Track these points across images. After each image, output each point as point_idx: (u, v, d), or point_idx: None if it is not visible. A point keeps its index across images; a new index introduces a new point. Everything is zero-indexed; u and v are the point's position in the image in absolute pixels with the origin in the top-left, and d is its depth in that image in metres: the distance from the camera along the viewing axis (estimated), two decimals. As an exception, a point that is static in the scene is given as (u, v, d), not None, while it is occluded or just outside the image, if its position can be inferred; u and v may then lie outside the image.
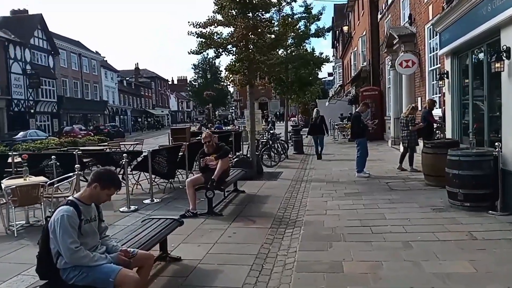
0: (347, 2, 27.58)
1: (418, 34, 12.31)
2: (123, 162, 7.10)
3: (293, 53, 18.87)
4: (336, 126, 20.83)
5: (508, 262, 3.91)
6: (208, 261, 4.43)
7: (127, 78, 59.85)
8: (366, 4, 20.60)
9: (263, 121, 28.64)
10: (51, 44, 34.34)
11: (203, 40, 9.46)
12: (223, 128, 25.21)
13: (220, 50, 9.69)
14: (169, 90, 79.24)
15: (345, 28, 28.93)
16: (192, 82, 55.32)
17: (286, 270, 4.15)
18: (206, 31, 9.23)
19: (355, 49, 25.65)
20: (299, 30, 19.25)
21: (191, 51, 9.75)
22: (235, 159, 10.10)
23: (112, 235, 5.59)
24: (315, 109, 15.39)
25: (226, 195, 7.61)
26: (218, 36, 9.27)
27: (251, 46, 9.43)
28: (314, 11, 19.11)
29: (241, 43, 9.37)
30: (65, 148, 12.18)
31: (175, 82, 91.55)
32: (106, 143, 13.39)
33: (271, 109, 75.69)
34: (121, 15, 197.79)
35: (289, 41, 19.21)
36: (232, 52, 9.71)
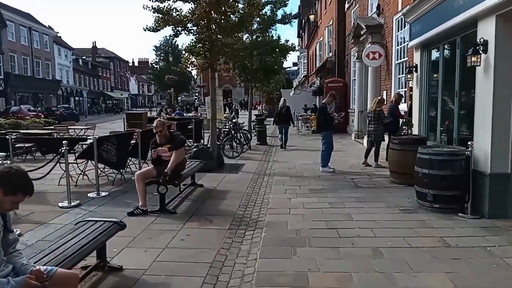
0: (314, -9, 27.18)
1: (386, 25, 12.08)
2: (63, 150, 6.23)
3: (259, 39, 18.24)
4: (300, 117, 20.54)
5: (486, 274, 3.59)
6: (155, 271, 3.81)
7: (83, 57, 56.71)
8: (334, -7, 20.26)
9: (227, 109, 27.91)
10: (-2, 15, 31.51)
11: (160, 16, 8.63)
12: (184, 115, 24.27)
13: (180, 28, 8.91)
14: (129, 72, 76.16)
15: (312, 17, 28.58)
16: (153, 64, 53.10)
17: (244, 283, 3.62)
18: (164, 6, 8.40)
19: (321, 39, 25.39)
20: (265, 16, 18.68)
21: (147, 28, 8.89)
22: (193, 149, 9.42)
23: (42, 237, 4.89)
24: (282, 99, 14.96)
25: (182, 189, 6.97)
26: (177, 12, 8.47)
27: (214, 26, 8.71)
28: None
29: (203, 22, 8.64)
30: (4, 131, 10.92)
31: (136, 64, 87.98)
32: (52, 127, 12.17)
33: (235, 97, 74.77)
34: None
35: (255, 26, 18.63)
36: (192, 31, 8.96)
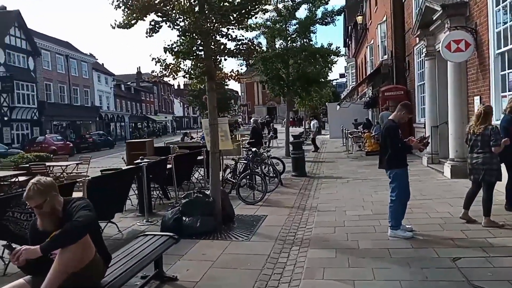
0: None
1: (474, 1, 8.21)
2: None
3: (294, 44, 14.93)
4: (349, 135, 16.71)
5: None
6: None
7: (127, 83, 56.70)
8: (386, -18, 16.52)
9: (265, 128, 24.64)
10: (31, 44, 31.01)
11: (130, 3, 5.55)
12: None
13: (159, 19, 5.77)
14: (173, 95, 75.98)
15: (359, 18, 24.80)
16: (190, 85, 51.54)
17: None
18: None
19: (371, 42, 21.53)
20: (305, 16, 15.38)
21: (115, 25, 5.81)
22: (182, 200, 6.12)
23: None
24: (252, 119, 12.24)
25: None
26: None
27: (206, 7, 5.48)
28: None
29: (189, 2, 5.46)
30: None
31: (181, 86, 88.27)
32: (28, 164, 9.52)
33: (279, 114, 71.54)
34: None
35: (290, 29, 15.41)
36: (177, 23, 5.78)
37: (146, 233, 4.24)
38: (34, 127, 30.90)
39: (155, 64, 5.51)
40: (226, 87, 62.13)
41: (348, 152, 15.99)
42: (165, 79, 5.74)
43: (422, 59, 12.57)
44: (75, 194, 5.15)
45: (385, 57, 16.75)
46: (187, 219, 5.88)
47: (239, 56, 5.87)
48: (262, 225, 6.23)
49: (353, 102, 24.09)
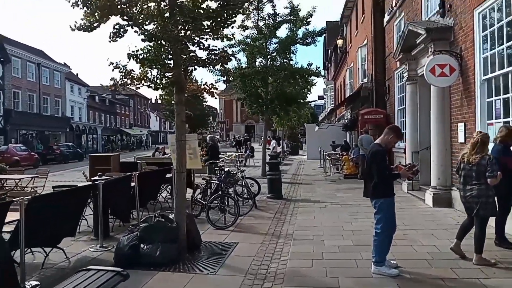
0: (342, 12, 23.71)
1: (459, 26, 8.03)
2: None
3: (274, 62, 14.61)
4: (327, 157, 16.33)
5: None
6: None
7: (102, 95, 55.20)
8: (367, 6, 16.56)
9: (239, 146, 24.02)
10: (1, 50, 29.63)
11: (90, 2, 4.92)
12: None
13: (124, 22, 5.16)
14: (149, 109, 74.68)
15: (340, 42, 24.92)
16: (168, 100, 50.68)
17: None
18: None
19: (351, 65, 21.55)
20: (286, 36, 15.14)
21: (75, 27, 5.14)
22: (141, 225, 5.39)
23: None
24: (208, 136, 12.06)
25: None
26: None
27: (176, 10, 4.91)
28: (302, 13, 15.05)
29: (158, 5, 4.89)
30: None
31: (159, 101, 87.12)
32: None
33: (257, 132, 71.20)
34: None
35: (270, 47, 15.10)
36: (143, 27, 5.17)
37: (90, 267, 3.51)
38: (-2, 136, 29.24)
39: (113, 70, 4.87)
40: (204, 103, 61.70)
41: (326, 174, 15.57)
42: (134, 88, 5.09)
43: (403, 83, 12.43)
44: (11, 216, 4.37)
45: (365, 80, 16.64)
46: (145, 246, 5.15)
47: (210, 65, 5.28)
48: (232, 255, 5.55)
49: (332, 124, 23.93)
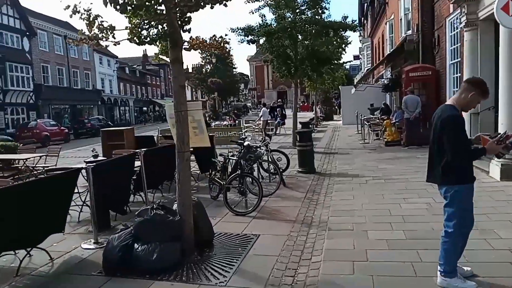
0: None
1: None
2: None
3: (303, 16, 12.89)
4: (366, 123, 14.70)
5: None
6: None
7: (132, 66, 54.85)
8: None
9: (273, 113, 22.60)
10: (25, 23, 29.28)
11: None
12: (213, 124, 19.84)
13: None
14: (180, 79, 73.90)
15: (378, -9, 22.36)
16: (198, 67, 49.55)
17: None
18: None
19: (392, 17, 19.23)
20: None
21: None
22: (136, 219, 4.32)
23: None
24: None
25: None
26: None
27: None
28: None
29: None
30: None
31: (190, 70, 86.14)
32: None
33: (290, 98, 69.01)
34: None
35: (299, -1, 13.29)
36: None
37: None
38: (30, 111, 29.40)
39: (71, 16, 3.64)
40: (234, 70, 60.07)
41: (365, 142, 14.02)
42: (104, 43, 3.92)
43: (457, 32, 10.50)
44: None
45: (409, 32, 14.55)
46: (140, 247, 4.11)
47: (209, 4, 3.92)
48: (250, 254, 4.42)
49: (370, 85, 21.91)
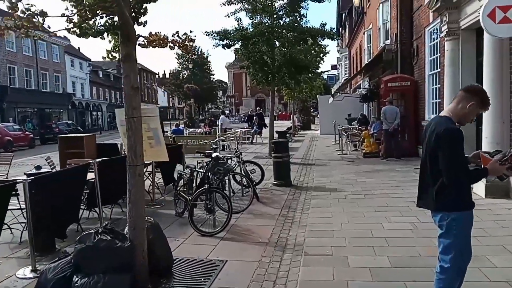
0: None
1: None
2: None
3: (281, 20, 12.49)
4: (344, 133, 14.35)
5: None
6: None
7: (107, 69, 53.37)
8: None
9: (250, 122, 22.06)
10: (-9, 22, 27.78)
11: None
12: (185, 132, 19.24)
13: None
14: (156, 84, 72.71)
15: (356, 1, 22.32)
16: (175, 74, 48.62)
17: None
18: None
19: (370, 27, 19.14)
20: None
21: None
22: (77, 244, 3.63)
23: None
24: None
25: None
26: None
27: None
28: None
29: None
30: None
31: (167, 75, 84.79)
32: None
33: (267, 107, 68.77)
34: None
35: (277, 3, 12.91)
36: None
37: None
38: (-6, 115, 27.84)
39: None
40: (212, 76, 59.39)
41: (342, 153, 13.65)
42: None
43: (436, 43, 10.29)
44: None
45: (388, 42, 14.37)
46: (80, 280, 3.41)
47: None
48: (214, 286, 3.80)
49: (348, 95, 21.74)
